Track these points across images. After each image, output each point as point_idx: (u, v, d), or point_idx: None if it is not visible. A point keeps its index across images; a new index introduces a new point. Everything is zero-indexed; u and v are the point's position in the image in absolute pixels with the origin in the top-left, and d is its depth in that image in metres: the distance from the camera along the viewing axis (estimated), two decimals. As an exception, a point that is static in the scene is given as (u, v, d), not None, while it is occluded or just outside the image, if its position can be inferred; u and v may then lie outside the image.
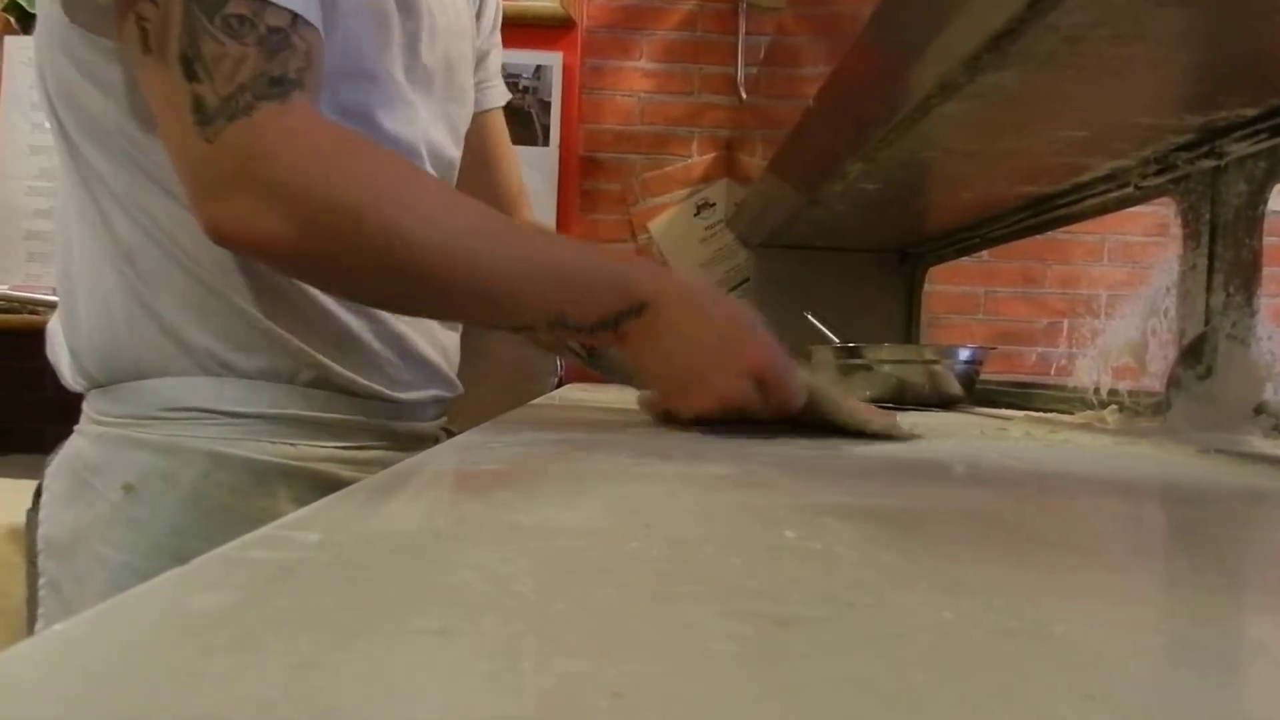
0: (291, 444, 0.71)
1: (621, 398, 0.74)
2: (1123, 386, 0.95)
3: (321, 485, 0.71)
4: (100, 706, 0.16)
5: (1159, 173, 0.97)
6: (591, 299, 0.65)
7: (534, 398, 1.19)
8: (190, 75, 0.58)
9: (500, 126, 1.02)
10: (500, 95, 1.02)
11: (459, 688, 0.17)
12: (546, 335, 0.68)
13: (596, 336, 0.67)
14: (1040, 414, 1.11)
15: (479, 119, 0.98)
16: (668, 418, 0.75)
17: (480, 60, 0.96)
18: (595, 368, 0.86)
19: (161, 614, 0.21)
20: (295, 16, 0.60)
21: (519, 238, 0.66)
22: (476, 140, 0.97)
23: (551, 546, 0.29)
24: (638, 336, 0.66)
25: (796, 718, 0.16)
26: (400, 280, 0.63)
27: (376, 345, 0.76)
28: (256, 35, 0.58)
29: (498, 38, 1.01)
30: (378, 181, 0.61)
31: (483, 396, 0.96)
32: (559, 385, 1.89)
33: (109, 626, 0.20)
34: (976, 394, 1.28)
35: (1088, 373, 0.97)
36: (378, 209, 0.60)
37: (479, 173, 0.98)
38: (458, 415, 0.92)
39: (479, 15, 0.94)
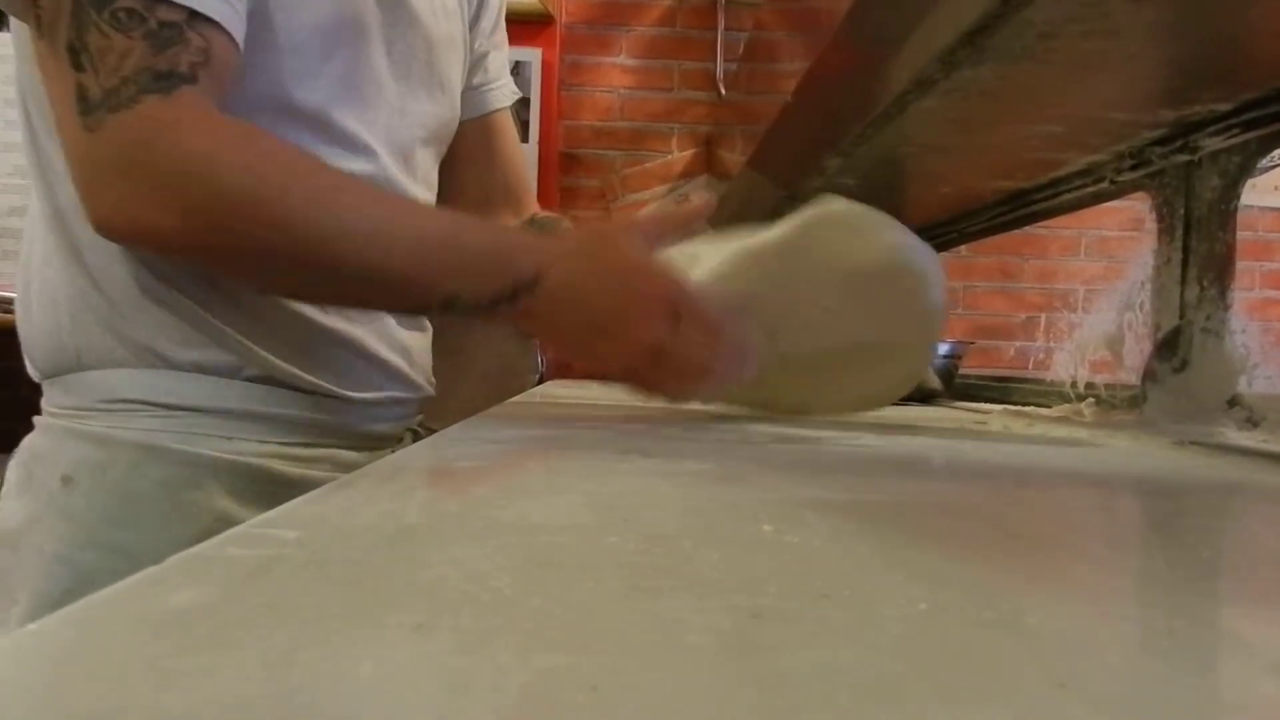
0: (227, 438, 0.70)
1: (603, 395, 0.74)
2: (1099, 380, 0.96)
3: (260, 480, 0.70)
4: (76, 703, 0.16)
5: (1134, 168, 0.98)
6: (481, 276, 0.64)
7: (515, 394, 1.19)
8: (76, 65, 0.58)
9: (506, 126, 1.01)
10: (505, 96, 1.00)
11: (437, 683, 0.17)
12: (440, 317, 0.67)
13: (497, 315, 0.65)
14: (1018, 408, 1.12)
15: (485, 120, 0.97)
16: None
17: (479, 61, 0.96)
18: None
19: (138, 612, 0.21)
20: (192, 12, 0.59)
21: (407, 218, 0.66)
22: (483, 141, 0.96)
23: (530, 542, 0.29)
24: (540, 311, 0.65)
25: (773, 709, 0.16)
26: (289, 268, 0.62)
27: (325, 343, 0.75)
28: (145, 29, 0.58)
29: (500, 36, 0.99)
30: (261, 169, 0.60)
31: (463, 393, 0.96)
32: (540, 382, 1.88)
33: (86, 624, 0.20)
34: (955, 388, 1.28)
35: (1065, 366, 0.98)
36: (260, 197, 0.59)
37: (485, 173, 0.98)
38: (438, 413, 0.91)
39: (477, 18, 0.94)
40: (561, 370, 1.89)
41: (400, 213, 0.66)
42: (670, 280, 0.66)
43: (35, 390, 0.74)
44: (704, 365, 0.67)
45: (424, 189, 0.86)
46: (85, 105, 0.58)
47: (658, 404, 0.73)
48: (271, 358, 0.71)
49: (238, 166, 0.59)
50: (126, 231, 0.61)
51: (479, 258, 0.64)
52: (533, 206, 1.05)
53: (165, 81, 0.58)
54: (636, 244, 0.68)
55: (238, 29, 0.63)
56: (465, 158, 0.94)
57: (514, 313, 0.65)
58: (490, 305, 0.64)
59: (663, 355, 0.65)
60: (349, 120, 0.73)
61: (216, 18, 0.61)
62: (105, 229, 0.61)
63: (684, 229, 0.73)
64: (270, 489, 0.70)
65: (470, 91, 0.94)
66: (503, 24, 1.00)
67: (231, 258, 0.63)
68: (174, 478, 0.68)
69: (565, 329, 0.67)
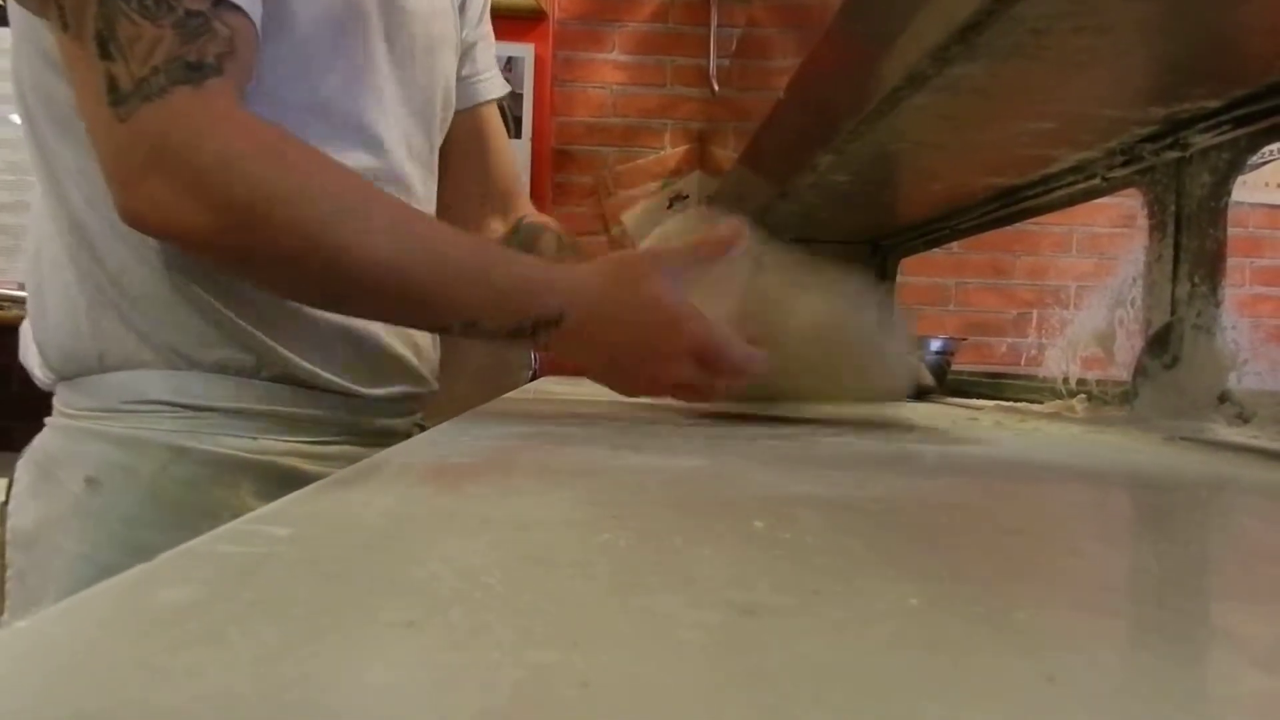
0: (252, 438, 0.70)
1: (596, 391, 0.74)
2: (1091, 376, 0.96)
3: (283, 479, 0.70)
4: (67, 700, 0.16)
5: (1125, 164, 0.98)
6: (504, 308, 0.65)
7: (507, 391, 1.19)
8: (105, 54, 0.57)
9: (494, 120, 1.01)
10: (494, 88, 1.00)
11: (428, 679, 0.17)
12: (461, 336, 0.67)
13: (516, 342, 0.67)
14: (1010, 404, 1.12)
15: (474, 111, 0.97)
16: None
17: (468, 52, 0.95)
18: None
19: (129, 608, 0.21)
20: (218, 1, 0.59)
21: (435, 239, 0.66)
22: (470, 134, 0.96)
23: (521, 539, 0.29)
24: (563, 342, 0.67)
25: (763, 704, 0.16)
26: (314, 276, 0.62)
27: (342, 341, 0.75)
28: (174, 18, 0.58)
29: (486, 28, 0.99)
30: (291, 176, 0.60)
31: (456, 390, 0.96)
32: (533, 378, 1.88)
33: (76, 621, 0.20)
34: (948, 384, 1.29)
35: (1056, 363, 0.98)
36: (289, 204, 0.59)
37: (473, 168, 0.97)
38: (432, 409, 0.91)
39: (464, 8, 0.93)
40: (554, 367, 1.89)
41: (428, 235, 0.66)
42: (692, 326, 0.67)
43: (28, 387, 0.73)
44: (718, 393, 0.70)
45: (428, 178, 0.86)
46: (116, 95, 0.57)
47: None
48: (290, 356, 0.72)
49: (264, 171, 0.59)
50: (154, 225, 0.60)
51: (501, 293, 0.65)
52: (525, 205, 1.04)
53: (195, 72, 0.58)
54: (662, 282, 0.68)
55: (258, 16, 0.63)
56: (456, 151, 0.94)
57: (533, 341, 0.67)
58: (510, 335, 0.66)
59: (681, 390, 0.69)
60: (356, 112, 0.73)
61: (243, 6, 0.61)
62: (133, 221, 0.60)
63: (711, 259, 0.72)
64: (293, 488, 0.70)
65: (459, 83, 0.93)
66: (488, 15, 0.99)
67: (253, 260, 0.62)
68: (201, 478, 0.68)
69: (586, 363, 0.70)
